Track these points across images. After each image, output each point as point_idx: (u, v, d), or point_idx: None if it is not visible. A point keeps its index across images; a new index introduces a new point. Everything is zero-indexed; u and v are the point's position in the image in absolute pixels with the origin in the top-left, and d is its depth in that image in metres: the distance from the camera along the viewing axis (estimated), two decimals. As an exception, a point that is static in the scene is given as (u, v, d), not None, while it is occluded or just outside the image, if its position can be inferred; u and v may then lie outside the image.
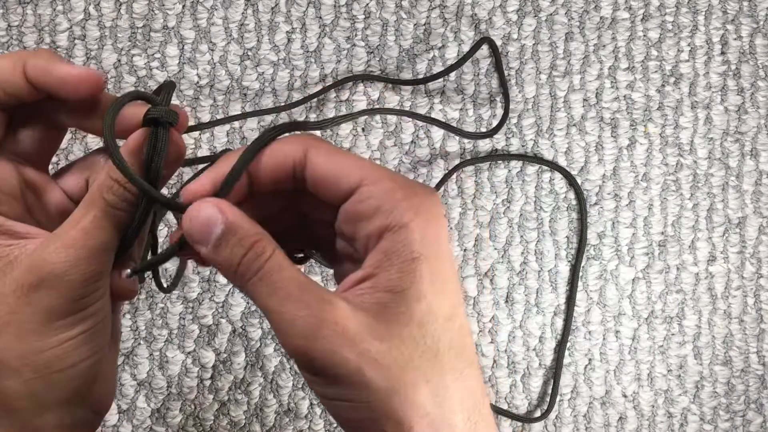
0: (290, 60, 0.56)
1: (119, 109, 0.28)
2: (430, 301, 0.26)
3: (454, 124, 0.56)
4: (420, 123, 0.56)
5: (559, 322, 0.56)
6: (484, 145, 0.57)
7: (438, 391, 0.26)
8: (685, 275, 0.57)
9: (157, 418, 0.53)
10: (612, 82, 0.58)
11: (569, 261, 0.56)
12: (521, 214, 0.56)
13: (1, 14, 0.55)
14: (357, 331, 0.25)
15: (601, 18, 0.58)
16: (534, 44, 0.57)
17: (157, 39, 0.55)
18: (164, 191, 0.29)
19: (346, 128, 0.56)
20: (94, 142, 0.54)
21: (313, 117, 0.56)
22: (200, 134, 0.55)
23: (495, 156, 0.56)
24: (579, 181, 0.57)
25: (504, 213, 0.56)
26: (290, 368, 0.54)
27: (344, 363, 0.25)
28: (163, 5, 0.56)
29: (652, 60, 0.58)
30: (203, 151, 0.55)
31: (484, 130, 0.56)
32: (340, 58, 0.56)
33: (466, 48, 0.57)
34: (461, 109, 0.57)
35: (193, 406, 0.53)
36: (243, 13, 0.56)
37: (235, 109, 0.55)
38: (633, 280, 0.56)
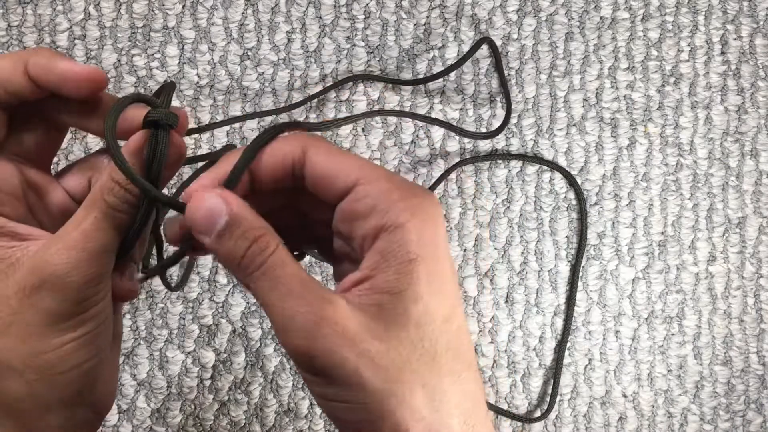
0: (290, 60, 0.56)
1: (121, 110, 0.28)
2: (428, 302, 0.26)
3: (453, 124, 0.56)
4: (420, 123, 0.56)
5: (559, 322, 0.56)
6: (484, 145, 0.57)
7: (434, 395, 0.26)
8: (685, 275, 0.57)
9: (157, 418, 0.53)
10: (612, 82, 0.58)
11: (569, 261, 0.56)
12: (521, 214, 0.56)
13: (1, 14, 0.55)
14: (357, 331, 0.25)
15: (601, 18, 0.58)
16: (534, 44, 0.57)
17: (157, 39, 0.55)
18: (164, 191, 0.29)
19: (346, 128, 0.56)
20: (95, 142, 0.54)
21: (313, 117, 0.56)
22: (200, 134, 0.55)
23: (495, 156, 0.56)
24: (579, 181, 0.57)
25: (504, 213, 0.56)
26: (290, 368, 0.54)
27: (343, 363, 0.25)
28: (163, 5, 0.56)
29: (652, 60, 0.58)
30: (203, 151, 0.55)
31: (484, 130, 0.56)
32: (340, 58, 0.56)
33: (466, 48, 0.57)
34: (461, 109, 0.57)
35: (193, 406, 0.53)
36: (243, 13, 0.56)
37: (235, 109, 0.55)
38: (633, 280, 0.56)
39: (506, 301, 0.56)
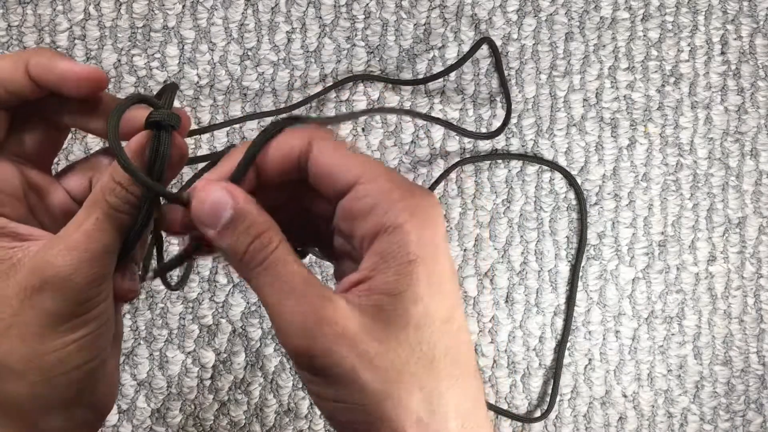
0: (290, 60, 0.56)
1: (123, 111, 0.28)
2: (427, 304, 0.26)
3: (453, 124, 0.56)
4: (420, 123, 0.56)
5: (559, 322, 0.56)
6: (484, 145, 0.56)
7: (432, 399, 0.25)
8: (685, 275, 0.57)
9: (157, 418, 0.53)
10: (612, 82, 0.58)
11: (569, 261, 0.56)
12: (521, 214, 0.56)
13: (1, 14, 0.55)
14: (356, 332, 0.25)
15: (601, 18, 0.58)
16: (534, 44, 0.57)
17: (157, 39, 0.55)
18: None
19: (346, 128, 0.56)
20: (95, 142, 0.54)
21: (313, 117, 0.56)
22: (200, 135, 0.55)
23: (495, 155, 0.56)
24: (579, 181, 0.57)
25: (504, 213, 0.56)
26: (290, 368, 0.54)
27: (341, 363, 0.25)
28: (163, 5, 0.56)
29: (652, 60, 0.58)
30: (203, 151, 0.55)
31: (484, 130, 0.56)
32: (340, 58, 0.56)
33: (466, 48, 0.57)
34: (461, 109, 0.57)
35: (193, 406, 0.53)
36: (243, 13, 0.56)
37: (235, 109, 0.55)
38: (633, 280, 0.56)
39: (506, 301, 0.56)
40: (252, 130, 0.55)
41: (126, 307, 0.53)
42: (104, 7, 0.55)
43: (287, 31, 0.56)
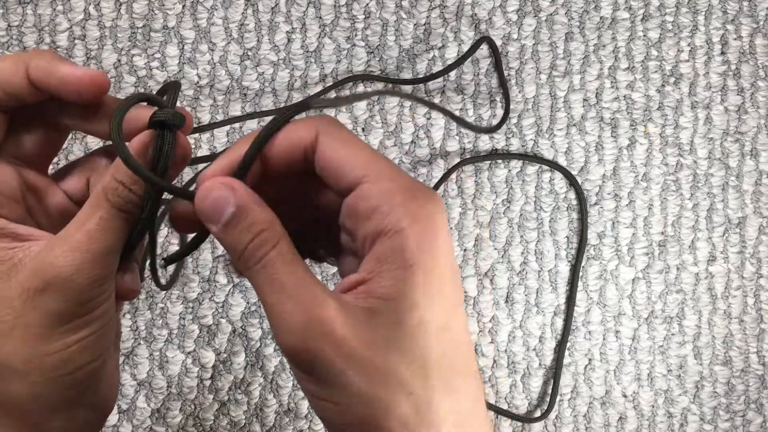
0: (290, 60, 0.56)
1: (127, 110, 0.27)
2: (423, 310, 0.25)
3: (453, 123, 0.56)
4: (420, 123, 0.56)
5: (559, 322, 0.56)
6: (484, 145, 0.57)
7: (421, 405, 0.25)
8: (685, 275, 0.57)
9: (157, 418, 0.53)
10: (612, 82, 0.58)
11: (569, 261, 0.56)
12: (521, 214, 0.56)
13: (1, 14, 0.55)
14: (344, 335, 0.25)
15: (601, 18, 0.58)
16: (534, 44, 0.57)
17: (157, 39, 0.55)
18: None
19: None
20: (94, 142, 0.54)
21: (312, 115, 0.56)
22: (200, 134, 0.55)
23: (495, 155, 0.56)
24: (579, 181, 0.57)
25: (504, 213, 0.56)
26: (290, 368, 0.54)
27: (330, 364, 0.25)
28: (163, 5, 0.56)
29: (652, 60, 0.58)
30: (203, 151, 0.55)
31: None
32: (340, 58, 0.56)
33: (466, 48, 0.57)
34: (461, 108, 0.57)
35: (193, 406, 0.53)
36: (243, 13, 0.56)
37: (235, 109, 0.55)
38: (633, 280, 0.56)
39: (506, 301, 0.56)
40: (252, 130, 0.55)
41: (126, 307, 0.53)
42: (104, 7, 0.55)
43: (287, 31, 0.56)
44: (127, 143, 0.27)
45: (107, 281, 0.27)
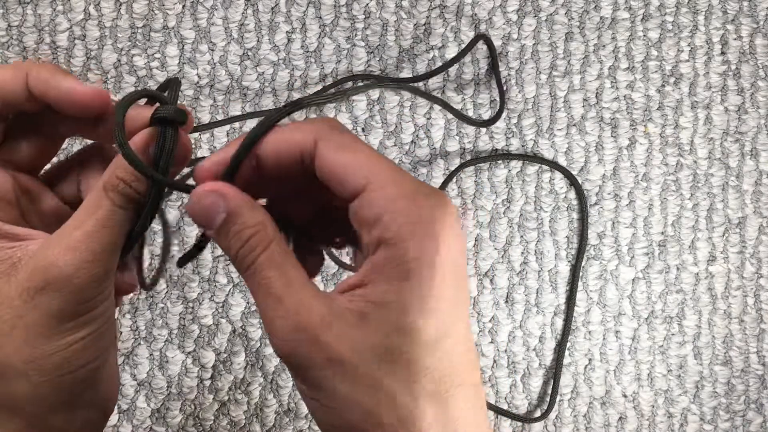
0: (290, 60, 0.56)
1: (129, 106, 0.27)
2: (416, 319, 0.25)
3: (453, 123, 0.56)
4: (420, 122, 0.56)
5: (559, 322, 0.56)
6: (485, 145, 0.57)
7: (405, 413, 0.25)
8: (685, 275, 0.57)
9: (157, 418, 0.53)
10: (612, 82, 0.58)
11: (569, 261, 0.56)
12: (521, 214, 0.56)
13: (1, 14, 0.55)
14: (329, 341, 0.25)
15: (601, 18, 0.58)
16: (534, 44, 0.57)
17: (157, 39, 0.55)
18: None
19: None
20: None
21: (313, 117, 0.56)
22: (200, 134, 0.55)
23: (495, 156, 0.56)
24: (579, 181, 0.57)
25: (504, 213, 0.56)
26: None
27: (316, 369, 0.25)
28: (163, 5, 0.56)
29: (652, 60, 0.58)
30: (203, 152, 0.55)
31: (483, 129, 0.56)
32: (340, 58, 0.56)
33: (466, 48, 0.57)
34: (461, 108, 0.57)
35: (193, 406, 0.53)
36: (243, 13, 0.56)
37: (235, 109, 0.55)
38: (633, 280, 0.56)
39: (506, 301, 0.56)
40: (252, 130, 0.55)
41: (126, 307, 0.53)
42: (104, 7, 0.55)
43: (287, 31, 0.56)
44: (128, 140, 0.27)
45: (107, 279, 0.27)
